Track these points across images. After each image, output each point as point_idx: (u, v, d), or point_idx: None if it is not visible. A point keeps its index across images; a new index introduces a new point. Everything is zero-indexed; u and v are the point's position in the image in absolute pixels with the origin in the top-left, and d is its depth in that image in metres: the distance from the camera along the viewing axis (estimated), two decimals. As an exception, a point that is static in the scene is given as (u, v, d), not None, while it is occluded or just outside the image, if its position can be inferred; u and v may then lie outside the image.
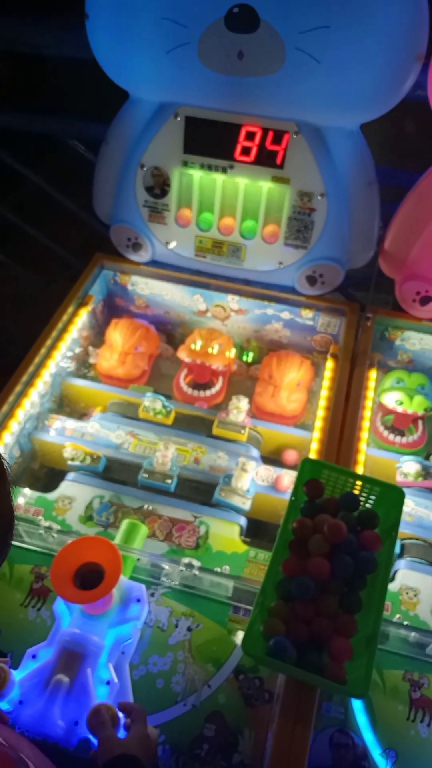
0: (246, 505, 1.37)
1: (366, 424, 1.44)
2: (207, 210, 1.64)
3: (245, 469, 1.39)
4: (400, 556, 1.30)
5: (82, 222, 2.12)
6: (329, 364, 1.56)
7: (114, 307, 1.89)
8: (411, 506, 1.37)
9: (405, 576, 1.25)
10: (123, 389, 1.66)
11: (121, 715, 0.96)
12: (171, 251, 1.72)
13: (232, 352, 1.79)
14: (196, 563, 1.17)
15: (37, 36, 1.74)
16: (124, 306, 1.88)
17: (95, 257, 1.79)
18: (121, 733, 0.93)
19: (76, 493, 1.36)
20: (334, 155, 1.45)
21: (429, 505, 1.38)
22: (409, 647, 1.12)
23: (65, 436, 1.50)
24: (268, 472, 1.43)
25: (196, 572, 1.15)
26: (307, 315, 1.71)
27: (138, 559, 1.17)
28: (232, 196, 1.59)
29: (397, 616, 1.18)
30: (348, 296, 2.02)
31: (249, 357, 1.86)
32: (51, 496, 1.35)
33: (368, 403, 1.48)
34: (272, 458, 1.52)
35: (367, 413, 1.45)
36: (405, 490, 1.39)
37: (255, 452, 1.49)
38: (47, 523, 1.23)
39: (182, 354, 1.68)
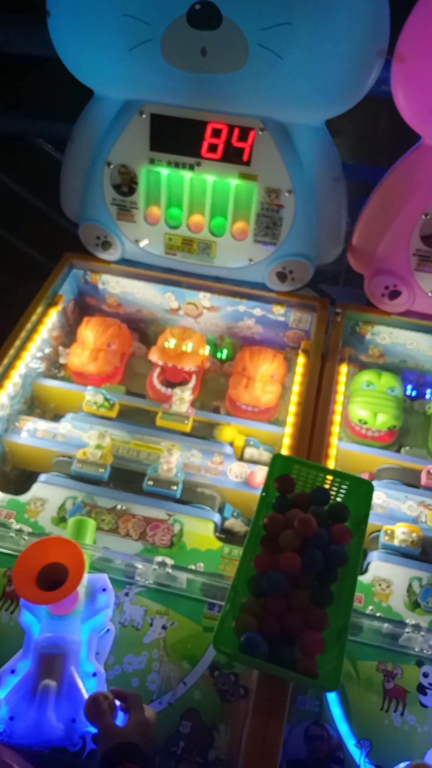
0: (176, 490, 1.37)
1: (337, 418, 1.45)
2: (176, 207, 1.64)
3: (171, 453, 1.40)
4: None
5: (51, 221, 2.10)
6: (300, 360, 1.57)
7: (85, 307, 1.87)
8: (383, 498, 1.39)
9: (377, 568, 1.26)
10: (95, 389, 1.64)
11: (117, 702, 0.96)
12: (141, 249, 1.71)
13: (206, 350, 1.79)
14: (170, 561, 1.17)
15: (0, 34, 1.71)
16: (96, 305, 1.87)
17: (65, 256, 1.78)
18: (120, 720, 0.93)
19: (48, 495, 1.35)
20: (300, 151, 1.46)
21: (400, 496, 1.39)
22: (382, 638, 1.13)
23: (37, 437, 1.48)
24: (241, 468, 1.44)
25: (170, 570, 1.15)
26: (278, 311, 1.72)
27: (94, 554, 1.16)
28: (200, 193, 1.59)
29: (370, 607, 1.20)
30: (320, 292, 2.04)
31: (223, 354, 1.86)
32: (23, 498, 1.34)
33: (339, 398, 1.49)
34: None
35: (338, 407, 1.47)
36: (378, 482, 1.42)
37: (228, 449, 1.49)
38: (18, 526, 1.21)
39: (154, 356, 1.67)
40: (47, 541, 1.05)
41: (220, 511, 1.40)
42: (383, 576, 1.25)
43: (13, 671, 1.00)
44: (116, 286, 1.80)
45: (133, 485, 1.41)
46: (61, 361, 1.73)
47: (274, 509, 1.13)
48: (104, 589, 1.11)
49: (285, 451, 1.36)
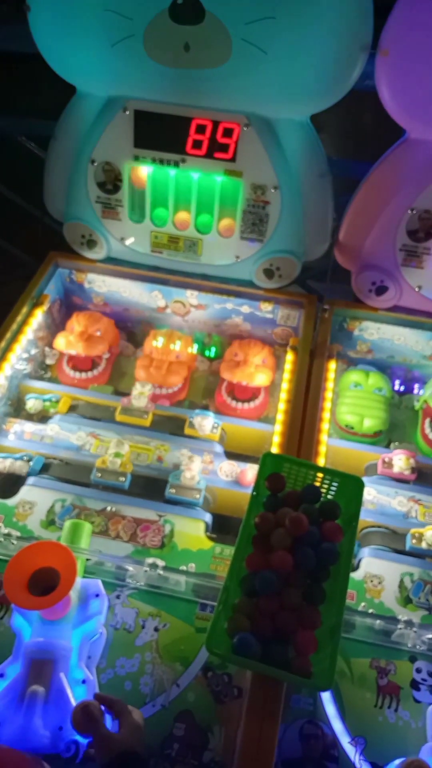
0: (198, 497, 1.36)
1: (326, 415, 1.44)
2: (161, 205, 1.62)
3: (192, 461, 1.40)
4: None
5: (35, 219, 2.07)
6: (289, 357, 1.56)
7: (71, 306, 1.85)
8: (373, 494, 1.39)
9: (369, 564, 1.26)
10: (83, 390, 1.63)
11: (104, 708, 0.95)
12: (127, 247, 1.69)
13: (193, 348, 1.78)
14: (161, 563, 1.16)
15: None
16: (82, 304, 1.85)
17: (49, 255, 1.75)
18: (109, 724, 0.92)
19: (36, 498, 1.33)
20: (285, 147, 1.45)
21: (390, 492, 1.39)
22: (374, 635, 1.13)
23: (24, 440, 1.46)
24: (231, 467, 1.43)
25: (161, 572, 1.14)
26: (266, 308, 1.71)
27: (88, 558, 1.15)
28: (185, 190, 1.57)
29: (362, 604, 1.20)
30: (308, 288, 2.03)
31: (211, 352, 1.85)
32: (11, 501, 1.32)
33: (328, 395, 1.49)
34: (236, 453, 1.51)
35: (327, 404, 1.46)
36: (368, 478, 1.42)
37: (219, 448, 1.49)
38: (6, 530, 1.20)
39: (140, 374, 1.65)
40: (39, 546, 1.04)
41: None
42: (375, 572, 1.25)
43: (1, 675, 0.99)
44: (102, 285, 1.78)
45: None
46: (48, 362, 1.71)
47: (265, 508, 1.12)
48: (97, 595, 1.10)
49: (275, 449, 1.35)
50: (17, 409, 1.60)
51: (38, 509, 1.31)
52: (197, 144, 1.49)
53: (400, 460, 1.43)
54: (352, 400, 1.57)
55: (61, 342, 1.65)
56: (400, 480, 1.43)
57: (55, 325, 1.78)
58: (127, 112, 1.47)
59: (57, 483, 1.37)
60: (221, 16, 1.26)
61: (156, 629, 1.14)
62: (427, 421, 1.58)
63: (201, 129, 1.46)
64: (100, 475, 1.37)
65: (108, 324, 1.73)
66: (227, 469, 1.42)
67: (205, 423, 1.50)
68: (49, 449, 1.44)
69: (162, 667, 1.10)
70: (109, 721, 0.93)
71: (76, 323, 1.69)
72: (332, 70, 1.32)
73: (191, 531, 1.30)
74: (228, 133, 1.45)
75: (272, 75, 1.33)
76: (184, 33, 1.29)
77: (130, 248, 1.69)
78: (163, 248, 1.67)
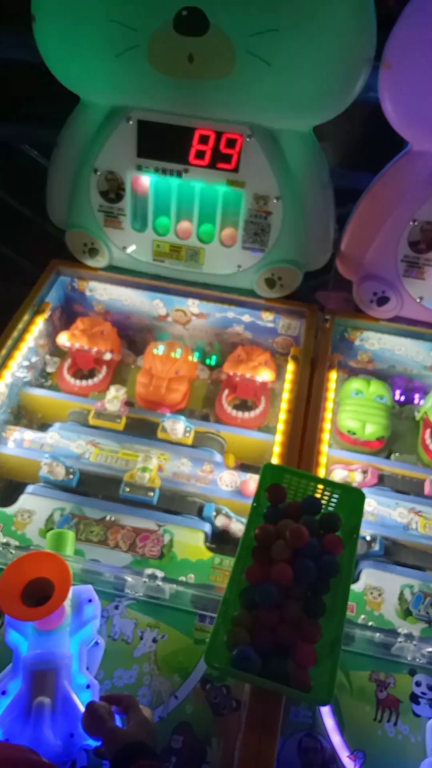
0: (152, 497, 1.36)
1: (327, 425, 1.44)
2: (163, 214, 1.63)
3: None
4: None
5: (37, 227, 2.08)
6: (290, 367, 1.56)
7: (73, 314, 1.85)
8: (373, 505, 1.38)
9: (369, 576, 1.26)
10: (83, 398, 1.63)
11: (113, 708, 0.95)
12: (128, 256, 1.70)
13: (194, 357, 1.78)
14: (160, 574, 1.16)
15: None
16: (84, 312, 1.85)
17: (51, 263, 1.76)
18: (119, 722, 0.92)
19: (35, 507, 1.33)
20: (287, 158, 1.45)
21: (391, 503, 1.39)
22: (374, 648, 1.12)
23: (24, 448, 1.46)
24: (232, 477, 1.43)
25: (160, 583, 1.14)
26: (267, 317, 1.71)
27: (78, 565, 1.15)
28: (188, 200, 1.58)
29: (362, 617, 1.19)
30: (309, 298, 2.03)
31: (212, 361, 1.85)
32: (10, 510, 1.32)
33: (329, 405, 1.48)
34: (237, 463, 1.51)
35: (327, 415, 1.46)
36: (367, 489, 1.42)
37: (218, 457, 1.48)
38: (5, 539, 1.19)
39: (140, 390, 1.65)
40: (30, 557, 1.03)
41: (200, 513, 1.37)
42: (375, 584, 1.24)
43: (3, 692, 0.98)
44: (104, 293, 1.78)
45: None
46: (48, 369, 1.71)
47: (265, 519, 1.12)
48: (90, 600, 1.09)
49: (275, 460, 1.35)
50: (17, 417, 1.60)
51: (37, 518, 1.31)
52: (200, 154, 1.49)
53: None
54: (353, 407, 1.57)
55: (63, 337, 1.65)
56: (401, 491, 1.43)
57: (56, 333, 1.77)
58: (131, 122, 1.48)
59: (56, 492, 1.37)
60: (225, 27, 1.27)
61: (154, 640, 1.14)
62: (428, 431, 1.57)
63: (204, 139, 1.47)
64: (128, 489, 1.36)
65: (110, 330, 1.73)
66: (227, 479, 1.42)
67: (177, 427, 1.50)
68: (49, 458, 1.44)
69: (160, 679, 1.09)
70: (119, 720, 0.93)
71: (80, 323, 1.70)
72: (335, 82, 1.32)
73: (190, 541, 1.29)
74: (231, 143, 1.46)
75: (275, 86, 1.34)
76: (188, 44, 1.30)
77: (132, 257, 1.69)
78: (165, 257, 1.68)
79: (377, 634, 1.10)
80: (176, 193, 1.57)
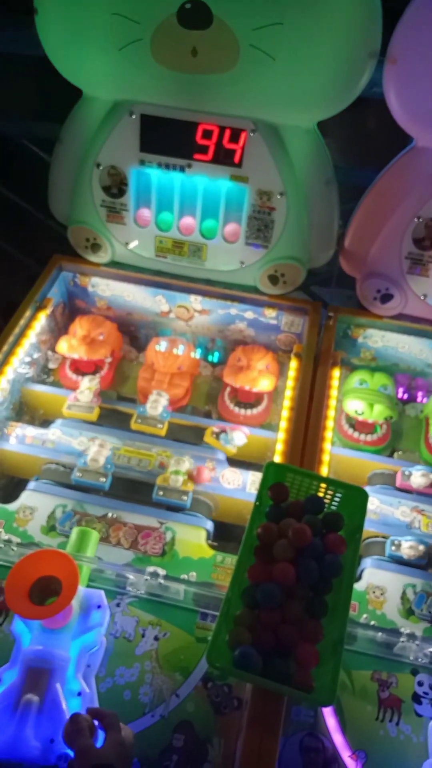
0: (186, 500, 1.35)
1: (330, 423, 1.43)
2: (166, 209, 1.61)
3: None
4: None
5: (40, 223, 2.07)
6: (293, 364, 1.55)
7: (75, 309, 1.85)
8: (376, 504, 1.38)
9: (371, 575, 1.25)
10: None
11: (96, 723, 0.93)
12: (131, 252, 1.69)
13: (197, 354, 1.78)
14: (161, 572, 1.16)
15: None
16: (86, 308, 1.84)
17: (53, 258, 1.75)
18: (99, 741, 0.91)
19: (37, 503, 1.32)
20: (291, 154, 1.44)
21: (393, 502, 1.39)
22: (376, 647, 1.12)
23: (25, 444, 1.46)
24: (234, 474, 1.42)
25: (162, 581, 1.13)
26: (270, 314, 1.70)
27: (93, 567, 1.14)
28: (191, 195, 1.57)
29: (364, 616, 1.19)
30: (312, 294, 2.02)
31: (215, 357, 1.84)
32: (12, 506, 1.31)
33: (332, 402, 1.48)
34: (238, 460, 1.51)
35: (330, 413, 1.45)
36: (371, 487, 1.41)
37: (221, 454, 1.48)
38: (7, 536, 1.19)
39: (142, 386, 1.63)
40: (41, 554, 1.03)
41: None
42: (377, 583, 1.24)
43: None
44: (106, 288, 1.77)
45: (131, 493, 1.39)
46: (50, 365, 1.70)
47: (267, 518, 1.11)
48: (99, 606, 1.08)
49: (278, 457, 1.34)
50: (19, 413, 1.60)
51: (39, 515, 1.30)
52: (203, 149, 1.48)
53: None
54: (358, 394, 1.56)
55: (63, 346, 1.64)
56: (403, 489, 1.42)
57: (59, 328, 1.77)
58: (134, 116, 1.47)
59: (58, 488, 1.37)
60: (229, 21, 1.25)
61: (156, 638, 1.13)
62: (432, 430, 1.57)
63: (207, 134, 1.46)
64: (162, 493, 1.35)
65: (111, 328, 1.72)
66: (230, 476, 1.41)
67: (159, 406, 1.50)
68: (51, 454, 1.43)
69: (162, 677, 1.09)
70: (101, 737, 0.92)
71: (79, 327, 1.69)
72: (340, 77, 1.31)
73: (192, 539, 1.29)
74: (234, 138, 1.44)
75: (280, 81, 1.32)
76: (191, 38, 1.28)
77: (135, 252, 1.68)
78: (168, 253, 1.67)
79: (379, 634, 1.10)
80: (179, 188, 1.56)
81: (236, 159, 1.47)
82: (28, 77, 1.67)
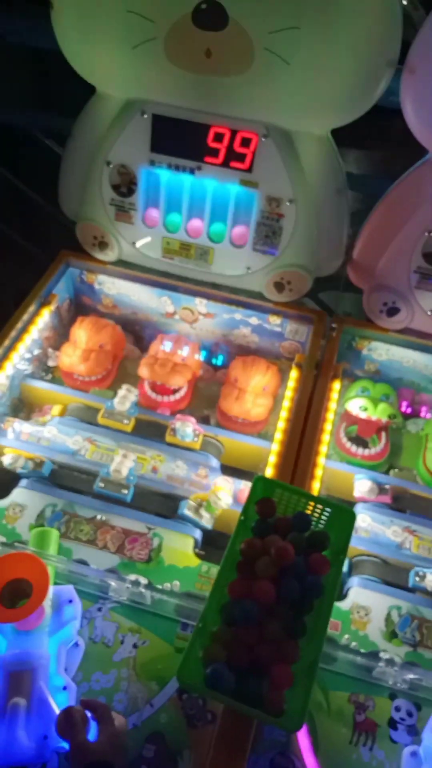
0: (208, 522, 1.35)
1: (326, 437, 1.41)
2: (174, 211, 1.60)
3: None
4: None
5: (49, 216, 2.06)
6: (293, 374, 1.53)
7: (81, 306, 1.84)
8: (368, 521, 1.36)
9: (357, 594, 1.23)
10: (84, 393, 1.62)
11: (89, 714, 0.94)
12: (138, 251, 1.67)
13: (200, 356, 1.76)
14: (143, 581, 1.15)
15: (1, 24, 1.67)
16: (91, 305, 1.84)
17: (60, 254, 1.74)
18: (92, 733, 0.92)
19: (27, 501, 1.33)
20: (303, 161, 1.42)
21: (385, 521, 1.37)
22: (356, 669, 1.11)
23: (21, 440, 1.46)
24: (227, 483, 1.41)
25: (143, 590, 1.13)
26: (275, 321, 1.68)
27: (58, 566, 1.14)
28: (200, 197, 1.55)
29: (346, 636, 1.17)
30: (319, 302, 2.00)
31: (218, 360, 1.83)
32: (2, 503, 1.32)
33: (329, 416, 1.46)
34: (232, 467, 1.50)
35: (327, 426, 1.43)
36: (361, 505, 1.39)
37: (215, 462, 1.47)
38: (-10, 535, 1.19)
39: (144, 371, 1.63)
40: (8, 558, 1.03)
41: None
42: (362, 603, 1.22)
43: None
44: (112, 287, 1.76)
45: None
46: (50, 363, 1.70)
47: (253, 533, 1.10)
48: (70, 601, 1.09)
49: (270, 469, 1.33)
50: (17, 409, 1.60)
51: (28, 513, 1.31)
52: (214, 152, 1.46)
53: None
54: (361, 398, 1.56)
55: (65, 361, 1.64)
56: (393, 508, 1.40)
57: (63, 325, 1.77)
58: (145, 116, 1.45)
59: (49, 487, 1.37)
60: (245, 23, 1.23)
61: (135, 646, 1.13)
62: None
63: (219, 137, 1.44)
64: (102, 485, 1.36)
65: (112, 330, 1.71)
66: (222, 484, 1.40)
67: (187, 429, 1.47)
68: (45, 452, 1.44)
69: (137, 685, 1.09)
70: (94, 728, 0.93)
71: (81, 331, 1.68)
72: (356, 84, 1.28)
73: (179, 547, 1.28)
74: (246, 142, 1.42)
75: (294, 86, 1.30)
76: (206, 39, 1.26)
77: (142, 252, 1.67)
78: (175, 254, 1.65)
79: (358, 658, 1.08)
80: (188, 190, 1.54)
81: (246, 163, 1.45)
82: (43, 69, 1.66)
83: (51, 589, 1.08)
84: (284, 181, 1.44)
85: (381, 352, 1.65)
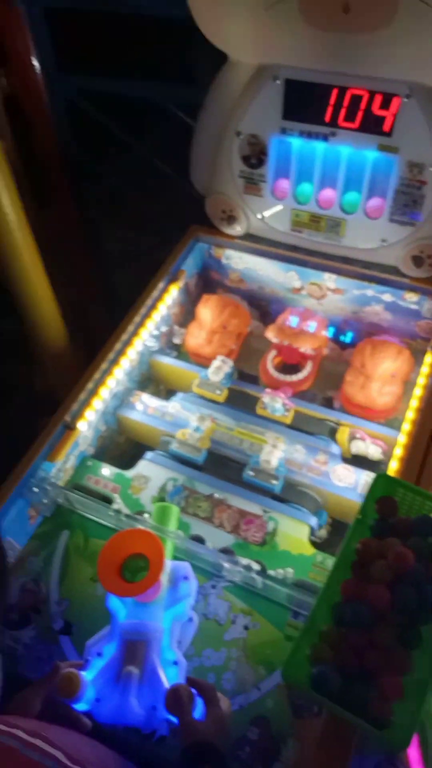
0: (276, 484, 1.32)
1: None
2: (306, 181, 1.52)
3: (276, 446, 1.37)
4: None
5: (182, 190, 2.07)
6: (427, 359, 1.41)
7: (208, 281, 1.85)
8: None
9: None
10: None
11: (195, 692, 0.98)
12: (266, 225, 1.62)
13: (328, 332, 1.69)
14: (255, 566, 1.16)
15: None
16: (219, 279, 1.83)
17: (190, 229, 1.74)
18: (199, 711, 0.95)
19: (151, 474, 1.38)
20: (451, 122, 1.26)
21: None
22: None
23: (147, 414, 1.52)
24: (347, 472, 1.36)
25: (254, 575, 1.13)
26: (411, 298, 1.55)
27: (186, 547, 1.17)
28: (333, 166, 1.45)
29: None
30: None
31: (347, 338, 1.74)
32: (129, 473, 1.39)
33: (467, 407, 1.33)
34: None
35: (464, 419, 1.31)
36: None
37: (336, 448, 1.42)
38: (117, 506, 1.26)
39: (270, 334, 1.61)
40: (128, 533, 1.08)
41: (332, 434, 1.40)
42: None
43: (99, 654, 1.04)
44: (239, 261, 1.74)
45: (230, 473, 1.39)
46: (175, 341, 1.73)
47: (372, 533, 1.05)
48: (186, 578, 1.12)
49: (394, 463, 1.25)
50: (146, 383, 1.66)
51: (151, 485, 1.36)
52: (351, 116, 1.35)
53: None
54: None
55: (191, 342, 1.67)
56: None
57: (190, 301, 1.78)
58: (278, 81, 1.38)
59: (172, 462, 1.41)
60: (389, -32, 1.10)
61: (246, 627, 1.15)
62: None
63: (356, 100, 1.33)
64: (252, 474, 1.35)
65: (236, 308, 1.69)
66: (341, 473, 1.35)
67: (276, 405, 1.45)
68: (168, 427, 1.48)
69: (246, 667, 1.11)
70: (200, 706, 0.96)
71: (206, 310, 1.68)
72: None
73: (294, 533, 1.27)
74: (386, 104, 1.30)
75: (444, 37, 1.15)
76: (343, -8, 1.15)
77: (270, 226, 1.62)
78: (304, 227, 1.58)
79: None
80: (321, 158, 1.45)
81: (386, 127, 1.33)
82: (175, 40, 1.64)
83: (169, 564, 1.13)
84: (428, 145, 1.31)
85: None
